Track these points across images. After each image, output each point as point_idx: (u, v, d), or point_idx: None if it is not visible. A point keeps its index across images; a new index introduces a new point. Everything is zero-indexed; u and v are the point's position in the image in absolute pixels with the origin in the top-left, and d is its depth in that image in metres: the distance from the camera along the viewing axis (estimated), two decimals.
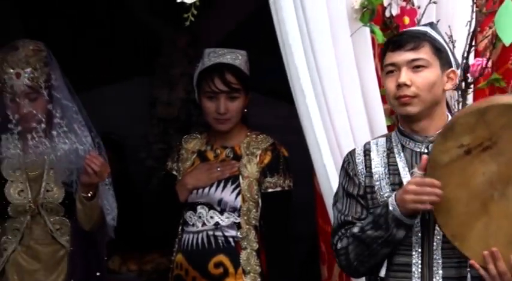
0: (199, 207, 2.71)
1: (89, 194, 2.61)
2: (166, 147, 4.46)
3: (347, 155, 2.19)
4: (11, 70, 2.54)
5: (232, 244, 2.69)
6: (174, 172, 2.78)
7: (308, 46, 2.29)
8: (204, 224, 2.70)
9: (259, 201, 2.70)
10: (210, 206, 2.70)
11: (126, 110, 4.63)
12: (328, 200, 2.33)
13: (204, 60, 2.72)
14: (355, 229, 2.08)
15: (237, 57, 2.71)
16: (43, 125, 2.57)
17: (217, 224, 2.70)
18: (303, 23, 2.29)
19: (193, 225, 2.72)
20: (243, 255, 2.69)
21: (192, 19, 2.02)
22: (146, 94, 4.65)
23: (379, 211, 2.05)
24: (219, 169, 2.70)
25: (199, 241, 2.70)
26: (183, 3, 2.04)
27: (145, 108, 4.65)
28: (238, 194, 2.69)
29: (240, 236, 2.69)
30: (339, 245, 2.10)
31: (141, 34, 4.60)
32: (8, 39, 4.90)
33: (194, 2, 2.03)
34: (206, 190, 2.70)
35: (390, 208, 2.01)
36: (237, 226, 2.70)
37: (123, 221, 2.86)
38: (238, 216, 2.69)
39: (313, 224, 2.69)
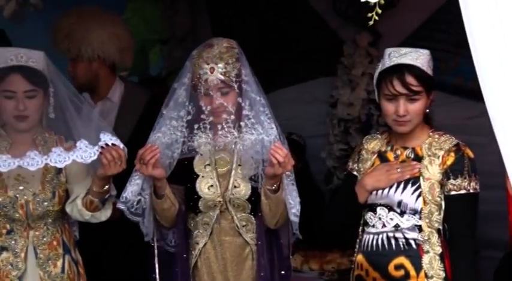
0: (379, 208, 2.69)
1: (274, 187, 2.67)
2: (347, 147, 4.46)
3: None
4: (206, 65, 2.64)
5: (414, 246, 2.64)
6: (355, 172, 2.77)
7: (501, 41, 2.17)
8: (384, 225, 2.68)
9: (442, 204, 2.62)
10: (390, 208, 2.67)
11: (307, 111, 4.69)
12: None
13: (384, 60, 2.67)
14: None
15: (418, 57, 2.63)
16: (233, 117, 2.66)
17: (397, 226, 2.66)
18: (496, 17, 2.17)
19: (373, 226, 2.70)
20: (425, 258, 2.63)
21: (376, 18, 2.00)
22: (327, 94, 4.67)
23: None
24: (399, 170, 2.65)
25: (380, 242, 2.68)
26: (367, 2, 2.03)
27: (326, 109, 4.68)
28: (418, 196, 2.63)
29: (422, 239, 2.63)
30: None
31: (324, 34, 4.64)
32: (196, 37, 5.13)
33: (378, 1, 2.01)
34: (386, 191, 2.67)
35: None
36: (419, 229, 2.64)
37: (304, 220, 2.90)
38: (420, 218, 2.63)
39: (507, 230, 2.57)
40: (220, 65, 2.65)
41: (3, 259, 2.69)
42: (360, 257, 2.73)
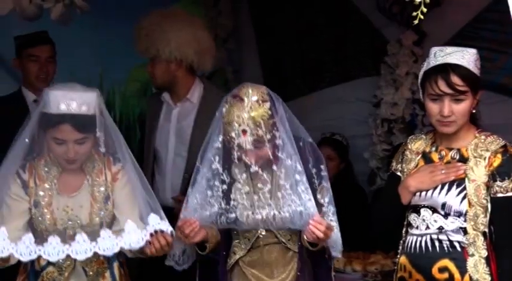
0: (422, 210, 2.65)
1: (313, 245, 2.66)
2: (390, 147, 4.43)
3: None
4: (237, 126, 2.56)
5: (458, 249, 2.61)
6: (398, 173, 2.74)
7: None
8: (427, 227, 2.64)
9: (488, 206, 2.58)
10: (434, 210, 2.63)
11: (350, 111, 4.67)
12: None
13: (429, 59, 2.62)
14: None
15: (464, 56, 2.57)
16: (268, 186, 2.62)
17: (441, 228, 2.62)
18: None
19: (417, 227, 2.67)
20: (470, 262, 2.59)
21: (422, 17, 1.98)
22: (370, 94, 4.64)
23: None
24: (443, 171, 2.61)
25: (423, 244, 2.65)
26: (412, 1, 2.01)
27: (369, 109, 4.65)
28: (463, 198, 2.59)
29: (467, 241, 2.59)
30: None
31: (367, 34, 4.61)
32: (239, 37, 5.13)
33: (424, 0, 1.99)
34: (429, 192, 2.63)
35: None
36: (463, 231, 2.60)
37: (347, 221, 2.88)
38: (464, 221, 2.59)
39: None
40: (252, 127, 2.56)
41: (48, 272, 2.73)
42: (403, 259, 2.71)
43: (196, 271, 2.83)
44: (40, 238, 2.63)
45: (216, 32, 5.34)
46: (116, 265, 2.79)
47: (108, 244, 2.55)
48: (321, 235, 2.56)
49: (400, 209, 2.70)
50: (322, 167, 2.67)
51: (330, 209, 2.66)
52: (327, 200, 2.63)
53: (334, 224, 2.68)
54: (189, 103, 3.61)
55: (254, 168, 2.58)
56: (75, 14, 4.89)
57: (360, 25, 4.64)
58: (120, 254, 2.81)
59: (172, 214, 3.51)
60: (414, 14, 2.00)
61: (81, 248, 2.53)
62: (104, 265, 2.77)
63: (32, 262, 2.73)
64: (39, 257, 2.64)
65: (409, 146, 2.74)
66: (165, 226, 2.60)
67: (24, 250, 2.49)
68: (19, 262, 2.77)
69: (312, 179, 2.62)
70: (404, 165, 2.73)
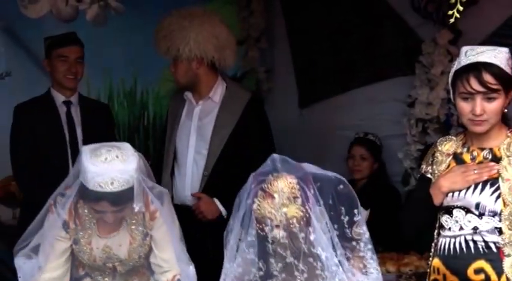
0: (455, 210, 2.62)
1: None
2: (424, 148, 4.39)
3: None
4: (269, 221, 2.52)
5: (494, 249, 2.57)
6: (429, 175, 2.71)
7: None
8: (461, 228, 2.61)
9: None
10: (467, 210, 2.60)
11: (384, 110, 4.64)
12: None
13: (460, 58, 2.59)
14: None
15: (496, 55, 2.54)
16: (305, 275, 2.54)
17: (475, 228, 2.59)
18: None
19: (449, 229, 2.64)
20: (507, 262, 2.55)
21: (458, 16, 1.96)
22: (404, 94, 4.60)
23: None
24: (475, 171, 2.58)
25: (457, 245, 2.61)
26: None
27: (403, 109, 4.62)
28: (498, 197, 2.55)
29: (502, 242, 2.56)
30: None
31: (401, 33, 4.58)
32: (271, 37, 5.12)
33: None
34: (462, 193, 2.60)
35: None
36: (499, 231, 2.56)
37: (381, 221, 2.87)
38: (500, 221, 2.56)
39: None
40: (285, 223, 2.51)
41: None
42: (436, 261, 2.68)
43: None
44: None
45: (248, 31, 5.36)
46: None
47: None
48: None
49: (432, 211, 2.67)
50: (356, 211, 2.61)
51: (367, 253, 2.61)
52: (362, 245, 2.58)
53: (373, 264, 2.63)
54: (211, 101, 3.62)
55: (290, 259, 2.56)
56: (110, 15, 4.96)
57: (393, 24, 4.60)
58: None
59: (189, 213, 3.54)
60: (450, 12, 1.98)
61: None
62: (144, 275, 2.82)
63: (71, 268, 2.79)
64: (79, 265, 2.72)
65: (439, 148, 2.71)
66: None
67: None
68: None
69: (344, 228, 2.58)
70: (435, 167, 2.70)
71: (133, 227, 2.74)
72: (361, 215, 2.61)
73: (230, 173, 3.44)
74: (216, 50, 3.53)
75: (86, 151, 2.63)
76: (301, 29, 4.95)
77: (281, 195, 2.52)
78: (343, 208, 2.59)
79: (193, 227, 3.36)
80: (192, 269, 2.75)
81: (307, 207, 2.52)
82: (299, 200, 2.53)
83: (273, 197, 2.52)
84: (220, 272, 3.34)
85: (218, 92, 3.62)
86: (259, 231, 2.55)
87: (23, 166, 3.73)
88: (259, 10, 5.33)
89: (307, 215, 2.53)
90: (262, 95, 5.12)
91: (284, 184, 2.52)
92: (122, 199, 2.63)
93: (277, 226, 2.52)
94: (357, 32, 4.69)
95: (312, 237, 2.53)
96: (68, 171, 3.22)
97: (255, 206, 2.55)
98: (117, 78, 4.91)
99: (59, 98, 3.85)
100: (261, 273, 2.59)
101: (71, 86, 3.84)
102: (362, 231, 2.61)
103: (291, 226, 2.51)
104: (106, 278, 2.80)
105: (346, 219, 2.59)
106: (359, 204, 2.61)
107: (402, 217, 2.86)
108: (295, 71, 5.05)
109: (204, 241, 3.43)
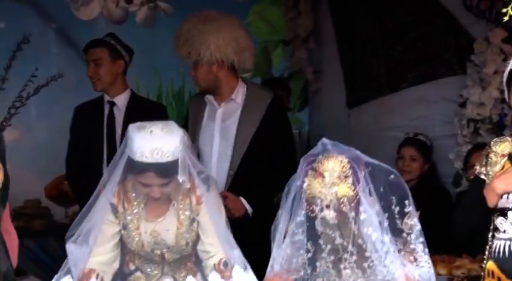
0: (510, 212, 2.57)
1: None
2: (471, 149, 4.31)
3: None
4: (319, 201, 2.50)
5: None
6: (483, 176, 2.66)
7: None
8: None
9: None
10: None
11: (435, 111, 4.58)
12: None
13: None
14: None
15: None
16: (354, 257, 2.56)
17: None
18: None
19: (504, 231, 2.59)
20: None
21: None
22: (455, 94, 4.54)
23: None
24: None
25: None
26: None
27: (454, 109, 4.55)
28: None
29: None
30: None
31: (452, 32, 4.51)
32: (319, 37, 5.09)
33: None
34: None
35: None
36: None
37: (431, 223, 2.83)
38: None
39: None
40: (335, 202, 2.50)
41: (135, 278, 2.82)
42: (490, 265, 2.62)
43: None
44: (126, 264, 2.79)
45: (295, 32, 5.35)
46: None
47: None
48: None
49: (485, 213, 2.63)
50: (407, 202, 2.59)
51: (418, 246, 2.58)
52: (413, 237, 2.56)
53: (425, 258, 2.60)
54: (233, 103, 3.65)
55: (339, 240, 2.54)
56: (159, 17, 5.01)
57: (445, 23, 4.53)
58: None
59: None
60: (504, 10, 1.94)
61: None
62: (191, 269, 2.83)
63: (122, 263, 2.82)
64: (129, 260, 2.75)
65: (494, 149, 2.67)
66: (249, 278, 2.67)
67: None
68: None
69: (394, 219, 2.56)
70: (489, 168, 2.65)
71: (180, 212, 2.76)
72: (412, 207, 2.57)
73: (254, 171, 3.52)
74: (235, 53, 3.58)
75: (132, 126, 2.71)
76: (349, 29, 4.92)
77: (332, 174, 2.50)
78: (394, 198, 2.57)
79: None
80: (237, 252, 2.76)
81: (357, 187, 2.50)
82: (350, 179, 2.51)
83: (323, 176, 2.50)
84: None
85: (240, 93, 3.66)
86: (308, 212, 2.53)
87: (72, 166, 3.81)
88: (306, 11, 5.32)
89: (358, 196, 2.51)
90: (310, 96, 5.12)
91: (335, 163, 2.50)
92: (167, 170, 2.66)
93: (327, 206, 2.50)
94: (407, 31, 4.64)
95: (362, 217, 2.51)
96: (102, 171, 3.28)
97: (305, 185, 2.54)
98: (166, 78, 4.95)
99: (106, 99, 3.91)
100: (309, 255, 2.58)
101: (95, 89, 3.89)
102: (413, 223, 2.57)
103: (341, 205, 2.49)
104: (155, 271, 2.81)
105: (397, 209, 2.56)
106: (410, 195, 2.58)
107: (454, 218, 2.82)
108: (343, 71, 5.02)
109: None
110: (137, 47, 4.01)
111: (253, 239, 3.03)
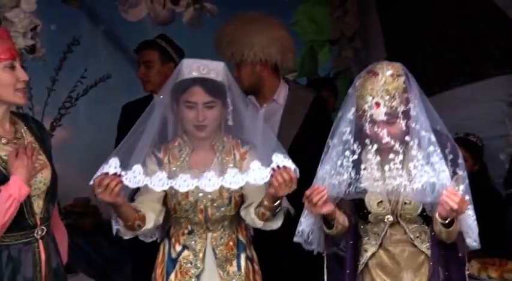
0: None
1: (447, 221, 2.54)
2: None
3: None
4: (371, 98, 2.54)
5: None
6: None
7: None
8: None
9: None
10: None
11: (485, 110, 4.50)
12: None
13: None
14: None
15: None
16: (401, 157, 2.56)
17: None
18: None
19: None
20: None
21: None
22: (506, 93, 4.45)
23: None
24: None
25: None
26: None
27: (505, 108, 4.46)
28: None
29: None
30: None
31: (503, 30, 4.43)
32: (365, 36, 5.08)
33: None
34: None
35: None
36: None
37: (481, 225, 2.76)
38: None
39: None
40: (386, 98, 2.53)
41: (184, 257, 2.83)
42: None
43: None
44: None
45: (342, 31, 5.31)
46: (243, 256, 2.85)
47: (234, 178, 2.63)
48: (455, 206, 2.44)
49: None
50: (460, 155, 2.58)
51: (465, 198, 2.54)
52: (462, 188, 2.51)
53: (470, 213, 2.57)
54: (275, 104, 3.65)
55: (386, 139, 2.54)
56: (205, 18, 5.03)
57: (495, 21, 4.45)
58: (248, 248, 2.87)
59: None
60: None
61: (210, 182, 2.64)
62: (232, 251, 2.83)
63: (169, 251, 2.85)
64: (175, 241, 2.80)
65: None
66: (289, 163, 2.63)
67: (158, 182, 2.63)
68: (154, 256, 2.89)
69: (446, 165, 2.53)
70: None
71: (224, 165, 2.79)
72: (464, 172, 2.56)
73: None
74: (279, 53, 3.59)
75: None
76: (396, 28, 4.87)
77: (385, 72, 2.56)
78: (449, 143, 2.59)
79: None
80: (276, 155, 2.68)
81: (408, 85, 2.54)
82: (402, 78, 2.55)
83: (376, 74, 2.56)
84: (287, 269, 3.33)
85: (282, 94, 3.66)
86: (359, 111, 2.56)
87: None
88: (353, 10, 5.29)
89: (408, 95, 2.54)
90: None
91: (389, 65, 2.58)
92: (212, 87, 2.76)
93: (377, 104, 2.53)
94: (456, 29, 4.57)
95: (412, 112, 2.53)
96: None
97: (357, 83, 2.59)
98: None
99: (155, 98, 3.93)
100: (354, 157, 2.59)
101: (145, 89, 3.92)
102: (462, 174, 2.56)
103: (392, 100, 2.52)
104: (199, 244, 2.81)
105: (450, 157, 2.56)
106: (461, 155, 2.58)
107: (508, 220, 2.76)
108: None
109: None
110: (183, 47, 4.03)
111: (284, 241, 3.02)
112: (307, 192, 2.61)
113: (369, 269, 2.71)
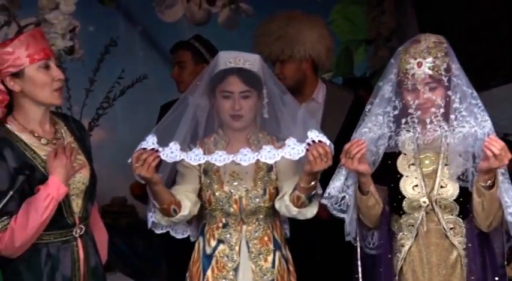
0: None
1: (488, 183, 2.54)
2: None
3: None
4: (413, 60, 2.60)
5: None
6: None
7: None
8: None
9: None
10: None
11: None
12: None
13: None
14: None
15: None
16: (442, 110, 2.60)
17: None
18: None
19: None
20: None
21: None
22: None
23: None
24: None
25: None
26: None
27: None
28: None
29: None
30: None
31: None
32: (402, 36, 5.04)
33: None
34: None
35: None
36: None
37: None
38: None
39: None
40: (428, 60, 2.59)
41: (220, 251, 2.83)
42: None
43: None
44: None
45: (378, 31, 5.28)
46: (278, 254, 2.84)
47: (270, 153, 2.66)
48: (497, 151, 2.46)
49: None
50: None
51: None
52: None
53: (507, 186, 2.56)
54: (314, 103, 3.64)
55: (427, 95, 2.58)
56: (241, 18, 5.04)
57: None
58: (284, 248, 2.86)
59: None
60: None
61: (245, 156, 2.67)
62: (267, 246, 2.83)
63: (203, 248, 2.85)
64: (210, 236, 2.82)
65: None
66: (324, 138, 2.66)
67: (195, 157, 2.68)
68: (189, 256, 2.91)
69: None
70: None
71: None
72: None
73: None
74: (326, 51, 3.60)
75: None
76: (434, 27, 4.80)
77: (428, 39, 2.65)
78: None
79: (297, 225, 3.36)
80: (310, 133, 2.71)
81: (450, 54, 2.63)
82: (444, 45, 2.65)
83: (419, 41, 2.65)
84: (316, 267, 3.33)
85: (320, 93, 3.65)
86: (401, 74, 2.62)
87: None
88: (390, 9, 5.25)
89: (449, 62, 2.61)
90: None
91: (432, 35, 2.68)
92: (248, 77, 2.80)
93: (419, 64, 2.58)
94: (495, 28, 4.50)
95: (454, 71, 2.61)
96: None
97: (400, 49, 2.68)
98: None
99: None
100: (396, 112, 2.65)
101: (179, 90, 3.94)
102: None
103: (435, 60, 2.58)
104: (235, 237, 2.82)
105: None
106: None
107: None
108: None
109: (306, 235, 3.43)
110: (219, 48, 4.02)
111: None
112: (346, 146, 2.64)
113: (403, 270, 2.68)
